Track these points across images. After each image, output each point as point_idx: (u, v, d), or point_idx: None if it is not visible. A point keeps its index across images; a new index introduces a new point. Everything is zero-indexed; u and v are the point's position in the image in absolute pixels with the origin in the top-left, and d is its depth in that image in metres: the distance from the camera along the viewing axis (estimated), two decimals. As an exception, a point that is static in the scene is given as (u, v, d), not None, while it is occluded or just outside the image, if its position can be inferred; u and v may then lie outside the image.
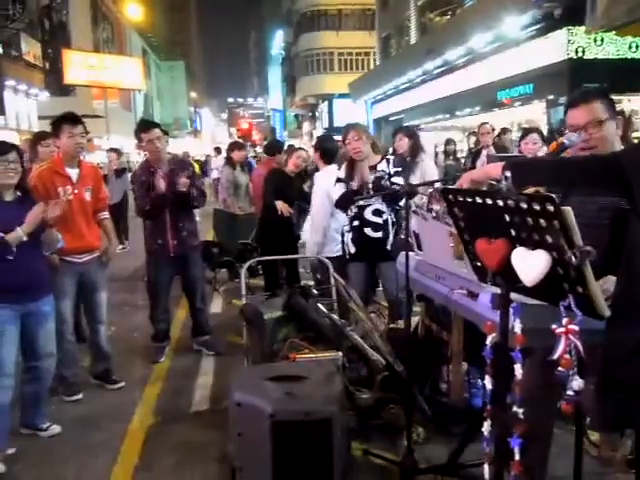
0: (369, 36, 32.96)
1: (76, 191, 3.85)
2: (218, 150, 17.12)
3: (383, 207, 4.01)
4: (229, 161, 7.54)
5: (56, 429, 3.49)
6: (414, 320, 3.76)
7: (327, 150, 4.94)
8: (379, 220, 4.01)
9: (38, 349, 3.33)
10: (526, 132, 5.06)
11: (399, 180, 3.98)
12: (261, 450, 2.13)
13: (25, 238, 3.04)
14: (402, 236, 3.12)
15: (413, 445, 2.83)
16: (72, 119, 3.92)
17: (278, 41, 52.93)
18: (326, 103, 35.77)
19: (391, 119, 24.21)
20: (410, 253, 2.87)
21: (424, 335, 3.57)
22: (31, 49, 23.05)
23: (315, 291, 3.93)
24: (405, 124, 18.36)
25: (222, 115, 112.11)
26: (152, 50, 48.35)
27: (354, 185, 4.00)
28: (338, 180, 4.13)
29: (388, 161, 4.07)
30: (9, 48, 20.91)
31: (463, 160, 9.65)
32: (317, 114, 40.01)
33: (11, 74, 19.52)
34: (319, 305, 3.65)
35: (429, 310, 3.48)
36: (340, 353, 3.29)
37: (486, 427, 2.00)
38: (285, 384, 2.27)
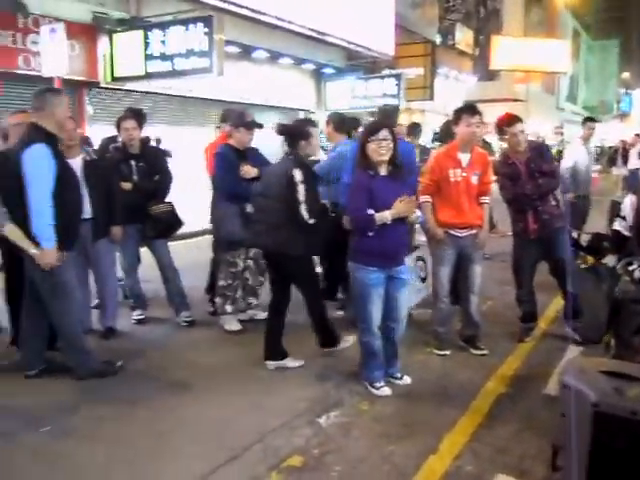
0: None
1: (464, 174, 4.34)
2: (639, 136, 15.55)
3: None
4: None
5: (407, 380, 4.03)
6: None
7: None
8: None
9: (394, 311, 3.86)
10: None
11: None
12: (581, 435, 2.21)
13: (389, 222, 3.57)
14: None
15: None
16: (471, 110, 4.39)
17: None
18: None
19: None
20: None
21: None
22: (464, 37, 24.89)
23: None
24: None
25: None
26: (584, 30, 45.86)
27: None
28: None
29: None
30: (445, 38, 23.13)
31: None
32: None
33: (444, 62, 21.60)
34: None
35: None
36: None
37: None
38: (618, 380, 2.26)
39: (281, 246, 4.03)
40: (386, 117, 5.01)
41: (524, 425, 3.45)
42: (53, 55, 8.67)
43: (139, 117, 5.39)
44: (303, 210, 3.96)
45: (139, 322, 5.31)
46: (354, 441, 3.29)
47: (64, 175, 3.81)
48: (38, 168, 3.70)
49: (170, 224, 5.26)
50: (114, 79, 10.90)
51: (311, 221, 3.97)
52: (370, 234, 3.60)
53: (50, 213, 3.71)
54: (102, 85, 10.96)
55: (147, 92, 11.66)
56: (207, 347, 4.79)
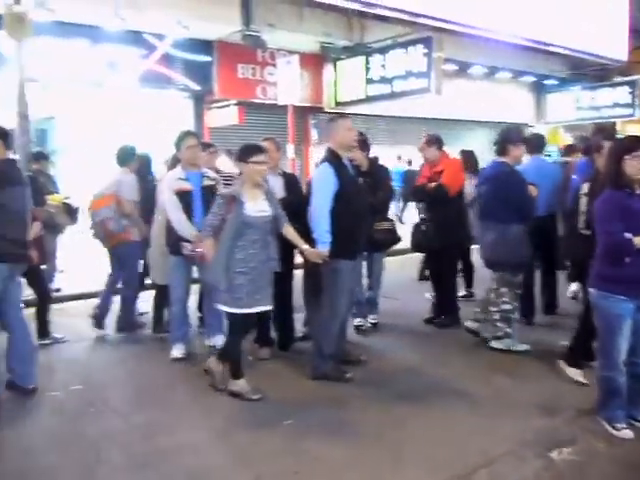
0: None
1: None
2: None
3: None
4: None
5: None
6: None
7: None
8: None
9: None
10: None
11: None
12: None
13: None
14: None
15: None
16: None
17: None
18: None
19: None
20: None
21: None
22: None
23: None
24: None
25: None
26: None
27: None
28: None
29: None
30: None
31: None
32: None
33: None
34: None
35: None
36: None
37: None
38: None
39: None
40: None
41: None
42: (287, 85, 9.56)
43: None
44: (581, 221, 4.06)
45: (358, 329, 5.55)
46: (590, 482, 3.06)
47: (345, 191, 4.24)
48: (319, 184, 4.27)
49: (388, 241, 5.46)
50: (337, 104, 11.67)
51: (586, 232, 3.92)
52: (627, 260, 3.28)
53: (326, 222, 4.17)
54: (326, 110, 11.78)
55: (366, 114, 12.25)
56: (428, 360, 4.81)
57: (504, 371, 4.53)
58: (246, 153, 3.92)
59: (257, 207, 3.86)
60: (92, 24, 9.01)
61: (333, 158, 4.33)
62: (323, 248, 4.14)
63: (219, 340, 4.91)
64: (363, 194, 4.59)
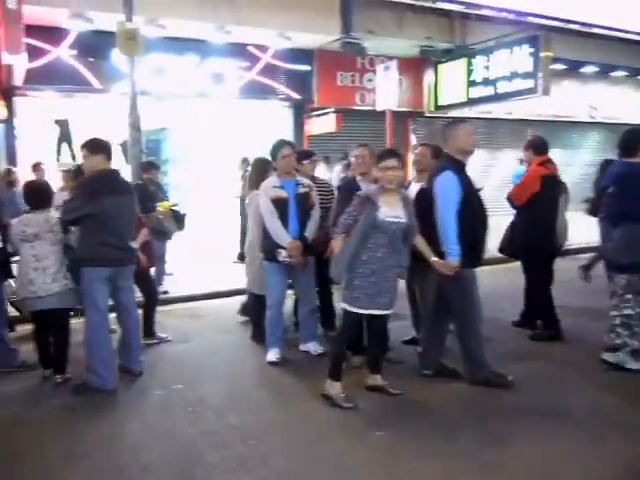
0: None
1: None
2: None
3: None
4: None
5: None
6: None
7: None
8: None
9: None
10: None
11: None
12: None
13: None
14: None
15: None
16: None
17: None
18: None
19: None
20: None
21: None
22: None
23: None
24: None
25: None
26: None
27: None
28: None
29: None
30: None
31: None
32: None
33: None
34: None
35: None
36: None
37: None
38: None
39: None
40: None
41: None
42: (386, 90, 9.50)
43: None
44: None
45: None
46: None
47: (469, 199, 4.17)
48: (445, 195, 4.15)
49: None
50: (437, 108, 11.44)
51: None
52: None
53: (454, 233, 4.10)
54: (426, 114, 11.59)
55: (467, 117, 11.91)
56: (529, 375, 4.50)
57: (613, 390, 4.20)
58: (378, 158, 3.98)
59: (391, 212, 3.86)
60: (199, 38, 9.46)
61: (455, 165, 4.20)
62: (454, 261, 4.07)
63: (312, 346, 4.95)
64: (480, 199, 4.42)
